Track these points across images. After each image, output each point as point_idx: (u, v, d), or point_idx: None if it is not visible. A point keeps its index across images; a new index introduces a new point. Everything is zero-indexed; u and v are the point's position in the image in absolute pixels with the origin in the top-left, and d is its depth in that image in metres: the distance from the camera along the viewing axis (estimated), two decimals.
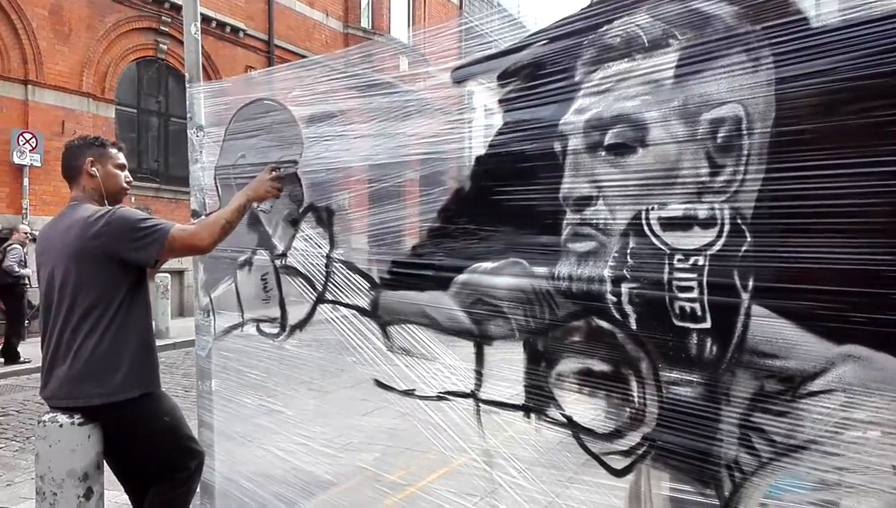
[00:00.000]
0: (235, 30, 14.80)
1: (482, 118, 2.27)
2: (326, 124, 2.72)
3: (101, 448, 2.54)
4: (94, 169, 2.65)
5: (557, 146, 1.85)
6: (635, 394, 1.71)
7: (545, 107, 1.89)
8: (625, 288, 1.70)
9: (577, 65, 1.84)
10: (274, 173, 2.74)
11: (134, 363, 2.51)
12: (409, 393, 2.32)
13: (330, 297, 2.69)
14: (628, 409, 1.72)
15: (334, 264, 2.66)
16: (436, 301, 2.20)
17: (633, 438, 1.70)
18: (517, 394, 1.97)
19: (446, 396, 2.19)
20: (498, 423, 2.09)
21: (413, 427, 5.69)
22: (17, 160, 10.96)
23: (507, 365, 2.02)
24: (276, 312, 2.98)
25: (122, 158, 2.78)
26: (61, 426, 2.45)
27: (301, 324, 2.85)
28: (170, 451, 2.63)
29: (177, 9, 13.51)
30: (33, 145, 11.18)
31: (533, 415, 1.93)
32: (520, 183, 1.94)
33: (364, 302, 2.51)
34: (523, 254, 1.94)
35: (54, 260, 2.51)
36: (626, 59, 1.75)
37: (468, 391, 2.12)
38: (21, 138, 11.02)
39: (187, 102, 3.39)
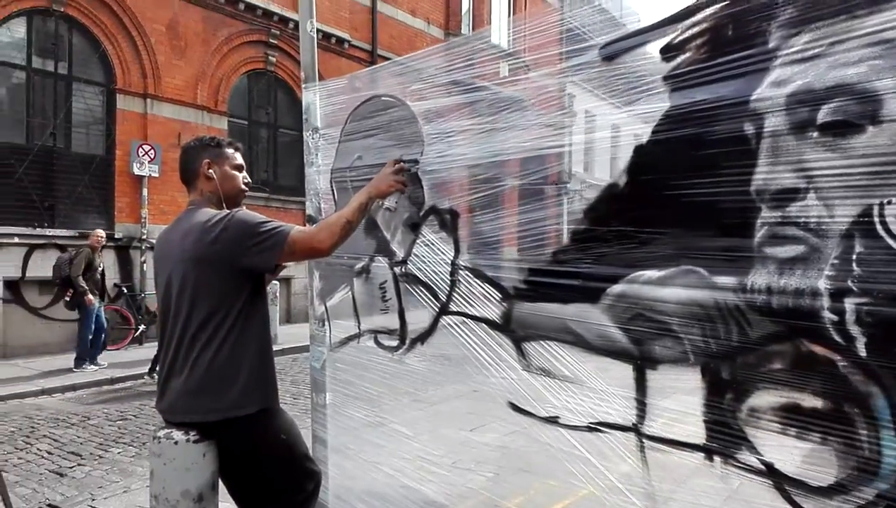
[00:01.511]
0: (340, 41, 15.01)
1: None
2: (450, 119, 2.47)
3: (216, 468, 2.38)
4: (210, 170, 2.52)
5: (749, 128, 1.51)
6: (865, 439, 1.34)
7: (728, 81, 1.56)
8: (850, 303, 1.34)
9: (771, 28, 1.51)
10: (398, 166, 2.53)
11: (252, 376, 2.34)
12: (552, 421, 2.02)
13: (455, 308, 2.44)
14: (855, 458, 1.36)
15: (460, 272, 2.41)
16: (583, 315, 1.90)
17: (863, 494, 1.34)
18: (694, 431, 1.64)
19: (600, 428, 1.87)
20: (664, 463, 1.76)
21: (525, 446, 5.39)
22: (136, 171, 11.45)
23: (680, 395, 1.69)
24: (396, 323, 2.76)
25: (239, 158, 2.63)
26: (176, 443, 2.31)
27: (422, 337, 2.61)
28: (286, 472, 2.46)
29: (285, 21, 13.85)
30: (152, 156, 11.65)
31: (717, 458, 1.59)
32: (695, 175, 1.61)
33: (495, 315, 2.24)
34: (700, 261, 1.61)
35: (172, 267, 2.39)
36: (842, 17, 1.39)
37: (629, 423, 1.80)
38: (140, 150, 11.52)
39: (303, 103, 3.25)
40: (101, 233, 9.45)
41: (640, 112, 1.82)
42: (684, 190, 1.64)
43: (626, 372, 1.79)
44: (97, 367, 9.15)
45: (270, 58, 13.93)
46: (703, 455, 1.62)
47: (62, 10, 10.70)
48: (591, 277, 1.86)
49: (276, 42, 13.89)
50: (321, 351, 3.20)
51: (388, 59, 15.84)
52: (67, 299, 9.00)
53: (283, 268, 2.66)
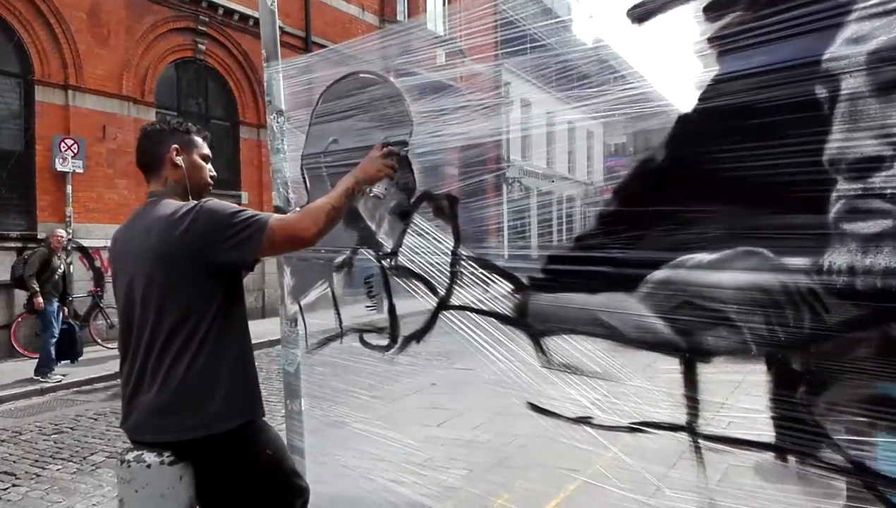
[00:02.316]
0: None
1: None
2: (445, 95, 2.26)
3: (193, 492, 2.11)
4: (179, 158, 2.24)
5: (821, 91, 1.36)
6: None
7: (790, 41, 1.41)
8: None
9: None
10: (386, 149, 2.30)
11: (232, 386, 2.09)
12: (583, 422, 1.84)
13: (456, 302, 2.23)
14: None
15: (462, 262, 2.20)
16: (617, 305, 1.73)
17: None
18: (760, 429, 1.48)
19: (644, 428, 1.70)
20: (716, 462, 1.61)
21: (493, 440, 5.23)
22: (59, 167, 10.70)
23: (739, 389, 1.54)
24: (385, 320, 2.54)
25: (206, 148, 2.37)
26: (149, 466, 2.03)
27: (418, 335, 2.40)
28: (273, 491, 2.21)
29: (214, 8, 13.25)
30: (75, 151, 10.93)
31: (792, 458, 1.45)
32: (752, 146, 1.46)
33: (507, 308, 2.05)
34: (762, 241, 1.46)
35: (134, 268, 2.10)
36: None
37: (680, 422, 1.63)
38: (63, 144, 10.79)
39: (265, 84, 2.97)
40: (60, 232, 8.87)
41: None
42: (738, 163, 1.48)
43: (670, 365, 1.63)
44: (58, 376, 8.62)
45: (199, 45, 13.30)
46: (773, 454, 1.47)
47: None
48: (626, 263, 1.68)
49: (204, 29, 13.26)
50: (295, 353, 2.94)
51: (322, 46, 15.42)
52: (27, 302, 8.64)
53: (259, 262, 2.39)
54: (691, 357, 1.60)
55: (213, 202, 2.12)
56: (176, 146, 2.24)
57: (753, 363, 1.49)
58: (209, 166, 2.38)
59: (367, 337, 2.63)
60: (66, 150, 10.81)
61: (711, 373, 1.57)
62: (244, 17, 13.79)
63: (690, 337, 1.59)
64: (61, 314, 8.84)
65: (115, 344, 10.52)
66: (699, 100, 1.55)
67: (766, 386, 1.47)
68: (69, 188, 10.90)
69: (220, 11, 13.39)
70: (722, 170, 1.50)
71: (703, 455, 1.59)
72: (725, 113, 1.50)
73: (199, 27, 13.17)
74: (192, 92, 13.56)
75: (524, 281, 1.99)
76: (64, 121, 11.03)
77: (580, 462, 2.13)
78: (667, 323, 1.62)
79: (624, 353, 1.75)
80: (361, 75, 2.60)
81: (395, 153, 2.31)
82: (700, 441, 1.60)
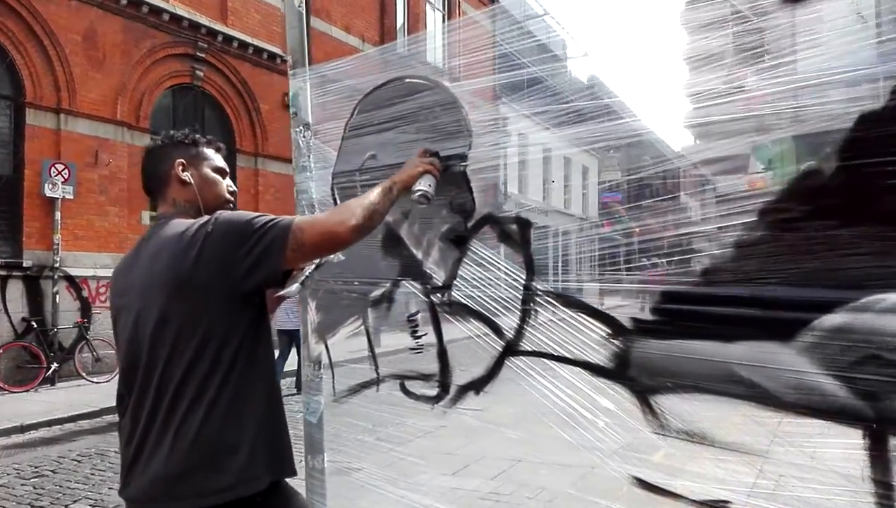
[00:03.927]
0: (273, 56, 14.23)
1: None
2: (520, 97, 1.91)
3: None
4: (185, 174, 1.88)
5: None
6: None
7: None
8: None
9: None
10: (422, 149, 2.03)
11: (260, 436, 1.70)
12: (718, 507, 1.44)
13: (528, 347, 1.85)
14: None
15: (538, 299, 1.82)
16: (765, 357, 1.35)
17: None
18: None
19: None
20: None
21: (516, 491, 4.77)
22: (48, 193, 10.29)
23: None
24: (433, 366, 2.14)
25: (220, 160, 2.02)
26: None
27: (478, 384, 2.00)
28: None
29: (213, 34, 13.01)
30: (66, 177, 10.54)
31: None
32: None
33: (601, 357, 1.67)
34: None
35: (141, 300, 1.71)
36: None
37: None
38: (53, 169, 10.39)
39: (290, 94, 2.61)
40: None
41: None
42: None
43: (847, 439, 1.25)
44: None
45: (197, 72, 13.02)
46: None
47: None
48: (780, 304, 1.32)
49: (203, 56, 13.00)
50: (318, 401, 2.53)
51: None
52: None
53: (293, 280, 2.00)
54: (881, 428, 1.22)
55: (227, 212, 1.76)
56: (181, 161, 1.89)
57: None
58: (228, 181, 2.03)
59: (409, 384, 2.23)
60: (56, 176, 10.42)
61: None
62: (244, 45, 13.58)
63: (879, 402, 1.21)
64: None
65: (103, 378, 10.05)
66: (892, 93, 1.20)
67: None
68: (58, 214, 10.48)
69: (220, 38, 13.16)
70: None
71: None
72: None
73: (198, 53, 12.91)
74: (189, 118, 13.22)
75: (626, 323, 1.61)
76: (55, 146, 10.66)
77: None
78: (843, 384, 1.25)
79: (772, 420, 1.37)
80: (407, 80, 2.25)
81: (435, 152, 1.98)
82: None
